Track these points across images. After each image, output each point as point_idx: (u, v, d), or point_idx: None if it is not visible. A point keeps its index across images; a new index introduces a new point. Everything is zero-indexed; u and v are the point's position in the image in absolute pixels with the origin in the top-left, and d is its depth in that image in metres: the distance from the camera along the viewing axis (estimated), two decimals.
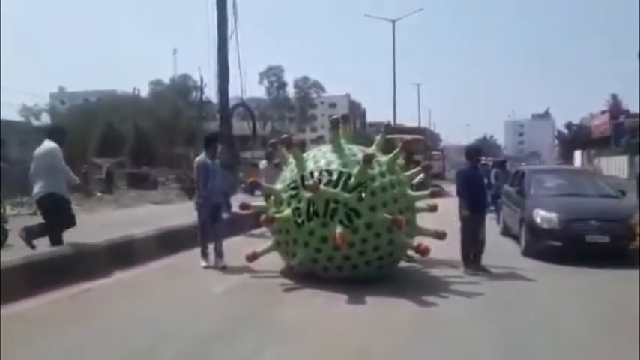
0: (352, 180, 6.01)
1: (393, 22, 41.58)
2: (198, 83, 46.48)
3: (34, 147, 7.29)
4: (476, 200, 6.97)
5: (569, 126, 64.42)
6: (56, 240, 6.58)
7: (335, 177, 6.07)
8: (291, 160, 6.64)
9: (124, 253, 7.22)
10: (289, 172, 6.54)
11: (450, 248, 7.08)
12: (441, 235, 6.59)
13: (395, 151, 6.60)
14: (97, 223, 10.10)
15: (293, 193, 6.24)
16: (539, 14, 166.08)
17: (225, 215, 7.80)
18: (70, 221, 6.75)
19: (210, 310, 5.28)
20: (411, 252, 6.60)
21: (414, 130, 28.07)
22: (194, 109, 47.40)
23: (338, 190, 5.98)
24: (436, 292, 5.89)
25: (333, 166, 6.19)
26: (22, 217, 12.43)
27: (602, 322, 4.98)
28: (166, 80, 56.80)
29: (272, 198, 6.74)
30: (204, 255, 7.31)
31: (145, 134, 41.09)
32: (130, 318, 5.01)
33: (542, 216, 7.87)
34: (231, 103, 16.61)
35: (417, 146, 24.19)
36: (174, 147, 41.54)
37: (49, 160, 6.58)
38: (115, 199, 19.06)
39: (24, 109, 60.63)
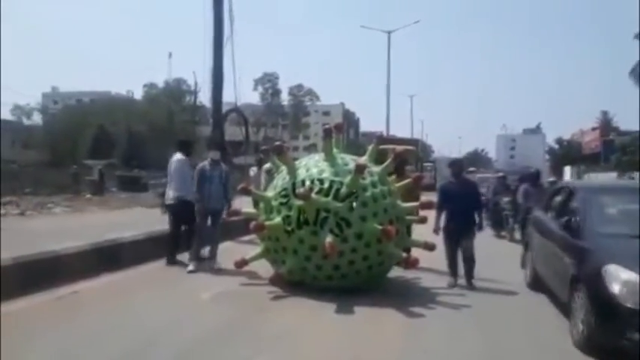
0: (343, 189, 6.00)
1: (389, 33, 41.95)
2: (193, 87, 46.55)
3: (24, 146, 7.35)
4: (454, 215, 6.79)
5: (559, 141, 65.04)
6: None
7: (326, 186, 6.06)
8: (283, 167, 6.63)
9: (112, 256, 7.19)
10: (280, 180, 6.53)
11: (440, 260, 7.06)
12: (430, 247, 6.59)
13: (387, 162, 6.61)
14: (85, 225, 10.04)
15: (284, 200, 6.22)
16: (533, 29, 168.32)
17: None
18: (192, 222, 7.61)
19: (196, 317, 5.24)
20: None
21: (407, 141, 28.22)
22: (188, 114, 47.39)
23: (329, 198, 5.97)
24: (424, 303, 5.89)
25: (325, 175, 6.18)
26: (12, 216, 12.35)
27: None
28: (161, 83, 56.72)
29: (262, 205, 6.72)
30: (194, 259, 7.33)
31: (137, 137, 41.00)
32: (116, 322, 4.96)
33: (624, 280, 4.12)
34: (226, 108, 16.63)
35: (409, 157, 24.47)
36: (167, 150, 41.23)
37: (179, 170, 7.60)
38: (105, 200, 18.93)
39: (15, 109, 60.11)
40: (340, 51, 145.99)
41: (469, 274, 6.80)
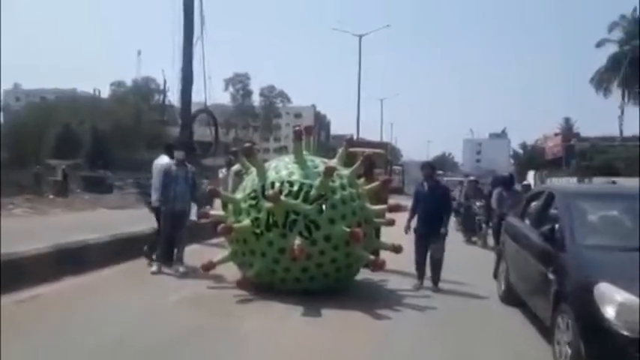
0: (313, 192, 6.00)
1: (360, 37, 42.28)
2: (162, 86, 45.88)
3: None
4: (425, 218, 6.87)
5: (524, 146, 66.77)
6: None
7: (296, 188, 6.05)
8: (252, 169, 6.59)
9: (75, 259, 7.02)
10: (250, 182, 6.49)
11: (408, 262, 7.14)
12: (397, 249, 6.66)
13: (356, 165, 6.64)
14: (47, 227, 9.78)
15: (253, 202, 6.18)
16: (500, 36, 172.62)
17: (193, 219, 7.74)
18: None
19: (160, 321, 5.15)
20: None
21: (376, 144, 28.52)
22: (156, 113, 46.61)
23: (298, 201, 5.97)
24: (390, 306, 5.94)
25: (295, 177, 6.17)
26: None
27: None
28: (129, 82, 55.65)
29: (230, 207, 6.66)
30: (157, 260, 7.26)
31: (103, 136, 40.02)
32: (78, 327, 4.83)
33: (620, 303, 3.53)
34: (195, 108, 16.43)
35: (378, 160, 24.74)
36: (135, 151, 40.61)
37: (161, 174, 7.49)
38: (69, 202, 18.42)
39: None
40: (312, 53, 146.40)
41: (436, 276, 6.89)
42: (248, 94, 66.38)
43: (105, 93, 58.24)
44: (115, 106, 48.14)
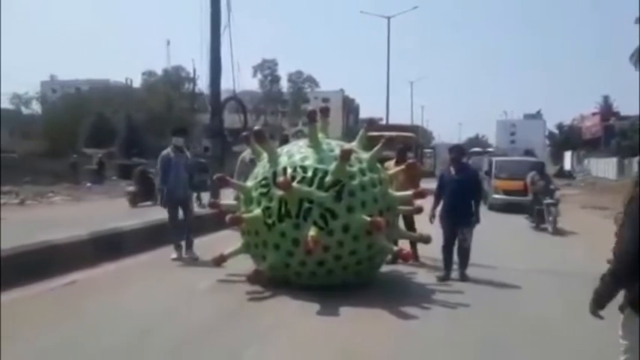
0: (328, 177, 5.47)
1: (388, 19, 41.52)
2: (191, 75, 46.27)
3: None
4: (451, 204, 6.40)
5: (560, 127, 64.80)
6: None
7: (310, 174, 5.52)
8: (265, 154, 6.10)
9: (110, 246, 7.14)
10: (261, 168, 6.00)
11: (439, 252, 6.62)
12: (425, 239, 6.17)
13: (376, 148, 6.04)
14: (85, 214, 10.07)
15: (264, 190, 5.69)
16: (533, 15, 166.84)
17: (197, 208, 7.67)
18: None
19: (168, 319, 4.78)
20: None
21: (406, 127, 28.06)
22: (186, 101, 47.15)
23: (313, 188, 5.44)
24: (418, 302, 5.37)
25: (308, 162, 5.63)
26: (11, 205, 12.39)
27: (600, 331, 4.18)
28: (159, 71, 56.36)
29: (241, 196, 6.17)
30: (177, 247, 7.25)
31: (136, 125, 40.81)
32: (107, 313, 4.90)
33: None
34: (225, 95, 16.53)
35: (408, 144, 24.38)
36: (166, 139, 41.08)
37: None
38: (105, 189, 18.97)
39: (14, 97, 59.79)
40: (340, 37, 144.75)
41: (463, 266, 6.41)
42: (276, 79, 66.26)
43: (137, 82, 59.25)
44: (146, 95, 48.91)
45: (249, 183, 6.06)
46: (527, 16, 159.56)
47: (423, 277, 6.54)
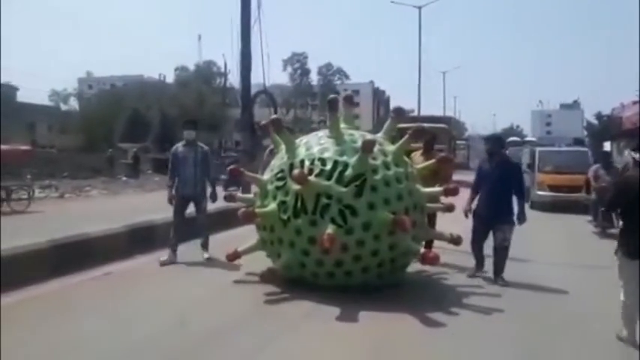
0: (349, 171, 5.04)
1: (419, 8, 40.80)
2: (223, 70, 46.74)
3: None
4: (487, 199, 5.89)
5: (599, 116, 62.62)
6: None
7: (329, 167, 5.11)
8: (283, 146, 5.71)
9: (144, 238, 7.26)
10: (278, 160, 5.63)
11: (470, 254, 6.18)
12: (456, 240, 5.73)
13: (402, 140, 5.55)
14: (121, 207, 10.27)
15: (280, 184, 5.32)
16: (569, 0, 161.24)
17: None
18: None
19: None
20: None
21: (438, 118, 27.58)
22: (218, 96, 47.66)
23: (331, 182, 5.02)
24: (445, 307, 4.89)
25: (328, 154, 5.21)
26: (51, 199, 12.79)
27: None
28: (191, 67, 57.15)
29: (257, 190, 5.83)
30: (172, 249, 6.61)
31: (169, 120, 41.55)
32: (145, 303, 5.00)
33: None
34: (255, 89, 16.63)
35: (441, 136, 23.95)
36: (198, 133, 41.67)
37: None
38: (140, 183, 19.38)
39: (53, 94, 61.80)
40: (370, 28, 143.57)
41: (498, 266, 5.86)
42: (306, 73, 66.23)
43: (170, 78, 60.28)
44: (179, 90, 49.68)
45: (266, 176, 5.70)
46: (564, 2, 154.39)
47: (454, 278, 6.05)
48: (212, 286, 5.63)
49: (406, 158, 5.75)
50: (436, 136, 7.67)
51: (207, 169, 6.90)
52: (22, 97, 47.78)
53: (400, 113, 6.09)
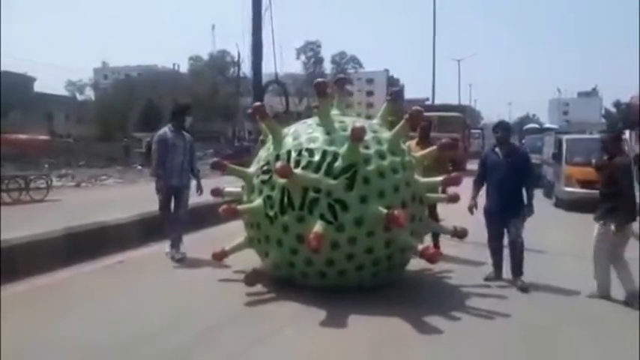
0: (339, 162, 4.61)
1: None
2: (236, 59, 46.77)
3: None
4: (497, 192, 5.43)
5: (617, 104, 61.49)
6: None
7: (317, 158, 4.67)
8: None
9: (157, 227, 7.38)
10: (265, 151, 5.22)
11: (478, 247, 5.83)
12: (460, 234, 5.27)
13: (398, 126, 5.09)
14: (135, 196, 10.38)
15: (265, 177, 4.90)
16: None
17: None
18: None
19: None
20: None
21: (453, 107, 27.26)
22: (231, 85, 47.73)
23: (320, 174, 4.59)
24: (447, 310, 4.44)
25: (316, 144, 4.77)
26: (68, 188, 13.00)
27: None
28: (205, 56, 57.27)
29: (244, 184, 5.43)
30: (174, 243, 6.30)
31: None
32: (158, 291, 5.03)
33: None
34: (268, 79, 16.61)
35: (454, 124, 23.66)
36: (211, 123, 42.22)
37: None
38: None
39: (69, 84, 62.46)
40: (384, 16, 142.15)
41: (517, 266, 5.37)
42: (319, 61, 65.85)
43: (184, 67, 60.52)
44: (192, 80, 49.85)
45: (252, 168, 5.28)
46: None
47: (460, 277, 5.56)
48: (197, 285, 5.28)
49: (404, 145, 5.27)
50: (432, 123, 7.14)
51: (193, 160, 6.52)
52: (39, 87, 48.40)
53: (397, 96, 5.58)
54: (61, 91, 57.58)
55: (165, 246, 6.40)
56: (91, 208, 8.03)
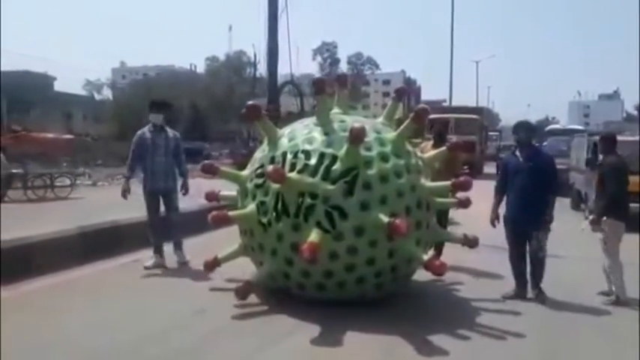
0: (337, 165, 4.25)
1: None
2: (252, 59, 46.95)
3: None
4: (518, 199, 4.96)
5: (639, 107, 60.40)
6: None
7: (314, 161, 4.31)
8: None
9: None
10: (259, 153, 4.90)
11: (489, 257, 5.49)
12: (471, 242, 4.89)
13: (404, 125, 4.71)
14: None
15: (259, 182, 4.55)
16: None
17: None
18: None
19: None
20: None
21: (470, 109, 26.92)
22: (248, 86, 47.88)
23: (316, 179, 4.24)
24: (453, 327, 4.07)
25: (312, 146, 4.41)
26: (85, 186, 13.12)
27: None
28: (222, 56, 57.64)
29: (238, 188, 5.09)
30: (156, 251, 5.96)
31: (199, 110, 42.10)
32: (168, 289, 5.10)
33: None
34: (284, 79, 16.62)
35: (471, 126, 23.36)
36: (228, 123, 42.50)
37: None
38: None
39: (87, 84, 63.27)
40: (401, 16, 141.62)
41: (537, 279, 4.94)
42: (336, 62, 65.92)
43: (201, 68, 60.97)
44: (209, 81, 50.16)
45: (246, 171, 4.95)
46: None
47: (472, 289, 5.15)
48: (187, 296, 4.98)
49: (413, 148, 4.90)
50: (448, 125, 7.06)
51: (180, 159, 6.10)
52: (58, 86, 49.15)
53: (402, 93, 5.26)
54: (79, 90, 58.46)
55: (144, 258, 5.95)
56: (113, 206, 8.04)
